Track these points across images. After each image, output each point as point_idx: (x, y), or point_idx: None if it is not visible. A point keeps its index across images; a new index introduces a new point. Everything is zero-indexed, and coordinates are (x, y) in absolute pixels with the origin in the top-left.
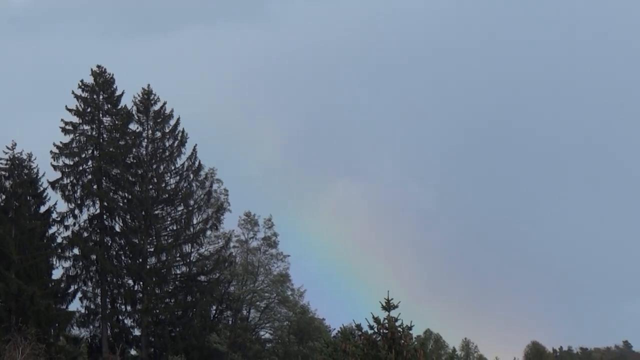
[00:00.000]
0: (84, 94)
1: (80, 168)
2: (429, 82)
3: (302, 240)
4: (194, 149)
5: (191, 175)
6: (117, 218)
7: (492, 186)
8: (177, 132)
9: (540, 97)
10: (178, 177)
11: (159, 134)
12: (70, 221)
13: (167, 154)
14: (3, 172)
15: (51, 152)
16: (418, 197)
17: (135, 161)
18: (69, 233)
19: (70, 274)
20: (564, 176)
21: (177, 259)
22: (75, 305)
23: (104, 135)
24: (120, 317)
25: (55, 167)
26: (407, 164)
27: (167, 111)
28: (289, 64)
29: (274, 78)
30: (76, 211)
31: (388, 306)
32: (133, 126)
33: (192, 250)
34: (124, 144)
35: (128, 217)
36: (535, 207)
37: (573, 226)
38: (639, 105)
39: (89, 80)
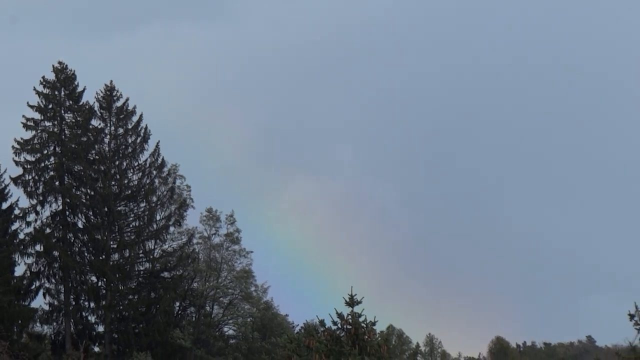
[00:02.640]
0: (46, 90)
1: (42, 164)
2: (387, 77)
3: (264, 236)
4: (157, 146)
5: (154, 172)
6: (79, 214)
7: (453, 182)
8: (139, 129)
9: (502, 89)
10: (141, 174)
11: (121, 130)
12: (32, 217)
13: (129, 150)
14: None
15: (13, 147)
16: (377, 194)
17: (97, 157)
18: (31, 229)
19: (33, 270)
20: (527, 173)
21: (141, 255)
22: (39, 302)
23: (66, 132)
24: (83, 314)
25: (17, 163)
26: (365, 162)
27: (130, 108)
28: (249, 62)
29: (235, 76)
30: (38, 207)
31: (352, 302)
32: (95, 122)
33: (155, 246)
34: (86, 140)
35: (91, 213)
36: (497, 203)
37: (536, 222)
38: (610, 97)
39: (51, 76)
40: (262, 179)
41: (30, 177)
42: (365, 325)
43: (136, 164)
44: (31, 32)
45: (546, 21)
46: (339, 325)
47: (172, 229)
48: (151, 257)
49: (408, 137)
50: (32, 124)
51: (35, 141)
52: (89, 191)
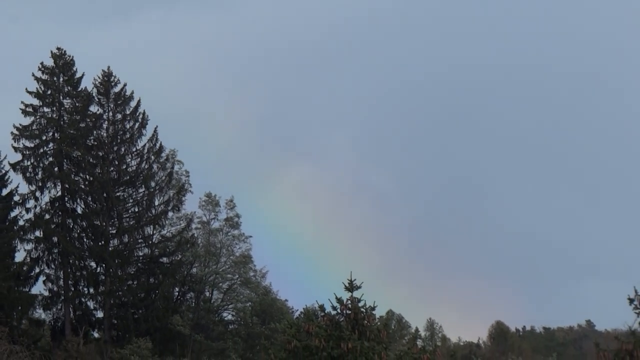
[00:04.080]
0: (44, 77)
1: (41, 150)
2: (385, 65)
3: (264, 221)
4: (155, 131)
5: (152, 157)
6: (78, 200)
7: (451, 169)
8: (137, 114)
9: (498, 80)
10: (139, 159)
11: (119, 116)
12: (31, 203)
13: (127, 135)
14: None
15: (12, 133)
16: (375, 181)
17: (96, 143)
18: (30, 215)
19: (33, 256)
20: (523, 157)
21: (139, 240)
22: (38, 288)
23: (65, 118)
24: (83, 300)
25: (16, 149)
26: (364, 149)
27: (128, 93)
28: (248, 49)
29: (234, 63)
30: (37, 193)
31: (351, 287)
32: (93, 108)
33: (154, 232)
34: (84, 126)
35: (89, 199)
36: (496, 187)
37: (536, 206)
38: (598, 86)
39: (49, 62)
40: (261, 165)
41: (29, 163)
42: (364, 310)
43: (134, 149)
44: (29, 19)
45: (547, 14)
46: (339, 310)
47: (170, 214)
48: (150, 242)
49: (406, 126)
50: (30, 110)
51: (34, 127)
52: (87, 177)
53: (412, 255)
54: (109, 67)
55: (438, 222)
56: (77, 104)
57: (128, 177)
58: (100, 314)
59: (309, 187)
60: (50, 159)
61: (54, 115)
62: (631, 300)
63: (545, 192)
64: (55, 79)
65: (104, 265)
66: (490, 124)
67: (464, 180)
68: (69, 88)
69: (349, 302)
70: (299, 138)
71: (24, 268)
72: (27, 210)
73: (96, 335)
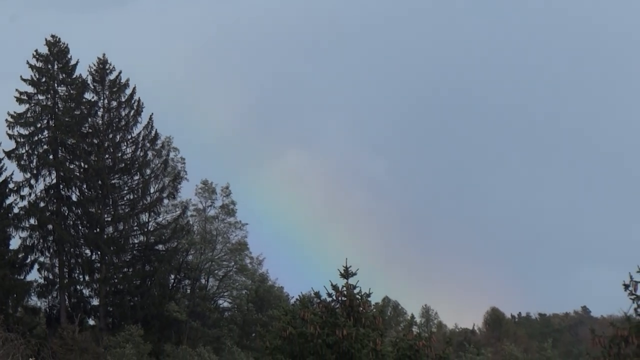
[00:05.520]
0: (39, 64)
1: (36, 138)
2: (381, 50)
3: (259, 208)
4: (150, 118)
5: (147, 144)
6: (73, 188)
7: (446, 155)
8: (133, 101)
9: (493, 64)
10: (134, 146)
11: (114, 103)
12: (26, 191)
13: (123, 123)
14: None
15: (6, 121)
16: (371, 167)
17: (91, 131)
18: (25, 203)
19: (28, 244)
20: (518, 142)
21: (135, 228)
22: (33, 276)
23: (59, 105)
24: (78, 287)
25: (10, 137)
26: (358, 133)
27: (123, 80)
28: (243, 35)
29: (228, 48)
30: (32, 181)
31: (346, 274)
32: (88, 95)
33: (150, 219)
34: (79, 114)
35: (84, 186)
36: (491, 173)
37: (532, 191)
38: (595, 73)
39: (44, 50)
40: (257, 152)
41: (24, 151)
42: (360, 297)
43: (130, 136)
44: (23, 6)
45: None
46: (334, 297)
47: (166, 201)
48: (145, 230)
49: (403, 112)
50: (25, 97)
51: (29, 115)
52: (82, 164)
53: (409, 241)
54: (104, 54)
55: (434, 208)
56: (71, 92)
57: (123, 165)
58: (95, 302)
59: (304, 173)
60: (45, 146)
61: (49, 103)
62: (626, 286)
63: (541, 178)
64: (49, 66)
65: (99, 252)
66: (487, 109)
67: (461, 166)
68: (64, 75)
69: (345, 289)
70: (294, 124)
71: (19, 256)
72: (22, 197)
73: (92, 322)
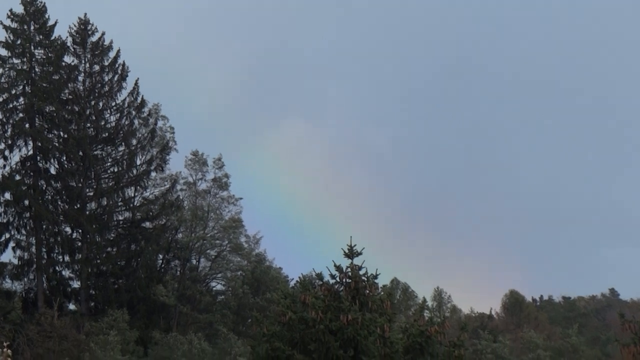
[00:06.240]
0: (14, 25)
1: (11, 105)
2: (388, 22)
3: (255, 182)
4: (136, 84)
5: (133, 112)
6: (52, 160)
7: (458, 123)
8: (117, 65)
9: (502, 35)
10: (119, 114)
11: (97, 68)
12: (0, 163)
13: (106, 88)
14: None
15: None
16: (375, 138)
17: (71, 97)
18: None
19: (2, 221)
20: (541, 107)
21: (119, 203)
22: (8, 256)
23: (37, 69)
24: (57, 269)
25: None
26: (362, 103)
27: (106, 43)
28: None
29: (222, 11)
30: (7, 152)
31: (351, 253)
32: (68, 59)
33: (136, 194)
34: (58, 79)
35: (64, 158)
36: (509, 143)
37: (556, 165)
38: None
39: (19, 9)
40: (252, 122)
41: None
42: (366, 279)
43: (113, 104)
44: None
45: None
46: (338, 279)
47: (153, 174)
48: (131, 205)
49: (408, 80)
50: None
51: (3, 80)
52: (62, 134)
53: (418, 218)
54: (85, 14)
55: (446, 182)
56: (49, 55)
57: (107, 134)
58: (76, 284)
59: (304, 145)
60: (21, 114)
61: (25, 67)
62: None
63: (567, 151)
64: (25, 27)
65: (80, 230)
66: (502, 69)
67: (474, 136)
68: (41, 37)
69: (349, 270)
70: (292, 93)
71: None
72: None
73: (72, 307)
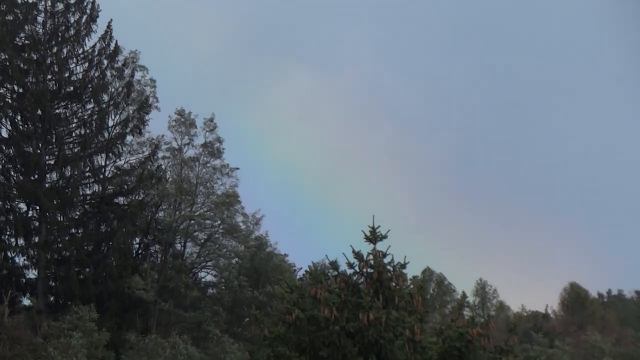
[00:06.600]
0: None
1: None
2: None
3: (254, 149)
4: (109, 27)
5: (105, 61)
6: (4, 120)
7: (503, 73)
8: (85, 4)
9: None
10: (87, 64)
11: (60, 6)
12: None
13: (71, 32)
14: None
15: None
16: (401, 93)
17: (28, 42)
18: None
19: None
20: (606, 70)
21: (87, 174)
22: None
23: None
24: (9, 254)
25: None
26: (385, 51)
27: None
28: None
29: None
30: None
31: (374, 237)
32: None
33: (107, 162)
34: (12, 20)
35: (19, 118)
36: (570, 100)
37: (628, 129)
38: None
39: None
40: (251, 76)
41: None
42: (392, 269)
43: (81, 50)
44: None
45: None
46: (357, 268)
47: (129, 138)
48: (101, 176)
49: (440, 21)
50: None
51: None
52: (16, 88)
53: (455, 195)
54: None
55: (488, 148)
56: None
57: (72, 88)
58: (32, 274)
59: (313, 103)
60: None
61: None
62: None
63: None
64: None
65: (37, 207)
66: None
67: (524, 89)
68: None
69: (371, 257)
70: (299, 39)
71: None
72: None
73: (27, 302)
